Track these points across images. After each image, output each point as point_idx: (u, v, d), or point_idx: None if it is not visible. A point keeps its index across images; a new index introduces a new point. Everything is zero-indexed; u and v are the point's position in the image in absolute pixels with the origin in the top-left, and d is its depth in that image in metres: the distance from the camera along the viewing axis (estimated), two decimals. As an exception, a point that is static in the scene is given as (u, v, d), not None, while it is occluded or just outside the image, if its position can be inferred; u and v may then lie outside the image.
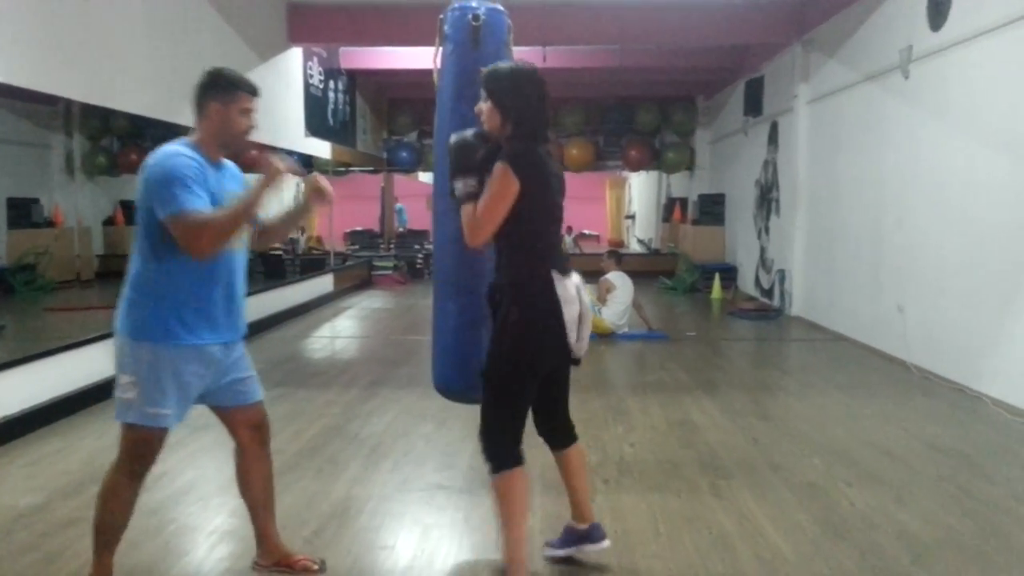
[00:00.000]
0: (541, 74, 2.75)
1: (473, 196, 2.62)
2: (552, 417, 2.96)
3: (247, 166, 2.81)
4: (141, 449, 2.64)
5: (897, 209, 6.86)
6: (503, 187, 2.55)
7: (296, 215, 3.00)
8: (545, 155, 2.72)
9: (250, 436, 2.87)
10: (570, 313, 2.65)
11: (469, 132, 2.73)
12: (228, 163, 2.78)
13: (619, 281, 8.20)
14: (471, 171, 2.64)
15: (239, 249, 2.74)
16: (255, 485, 2.91)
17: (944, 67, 6.11)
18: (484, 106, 2.71)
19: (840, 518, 3.48)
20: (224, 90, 2.64)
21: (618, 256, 8.81)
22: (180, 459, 4.22)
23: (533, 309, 2.64)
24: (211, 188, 2.56)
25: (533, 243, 2.68)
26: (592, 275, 9.05)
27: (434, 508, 3.60)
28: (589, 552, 3.03)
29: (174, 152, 2.54)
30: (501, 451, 2.67)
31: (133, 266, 2.63)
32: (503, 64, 2.80)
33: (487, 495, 3.63)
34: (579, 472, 3.01)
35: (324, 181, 2.83)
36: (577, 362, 2.81)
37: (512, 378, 2.67)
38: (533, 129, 2.68)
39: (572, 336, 2.68)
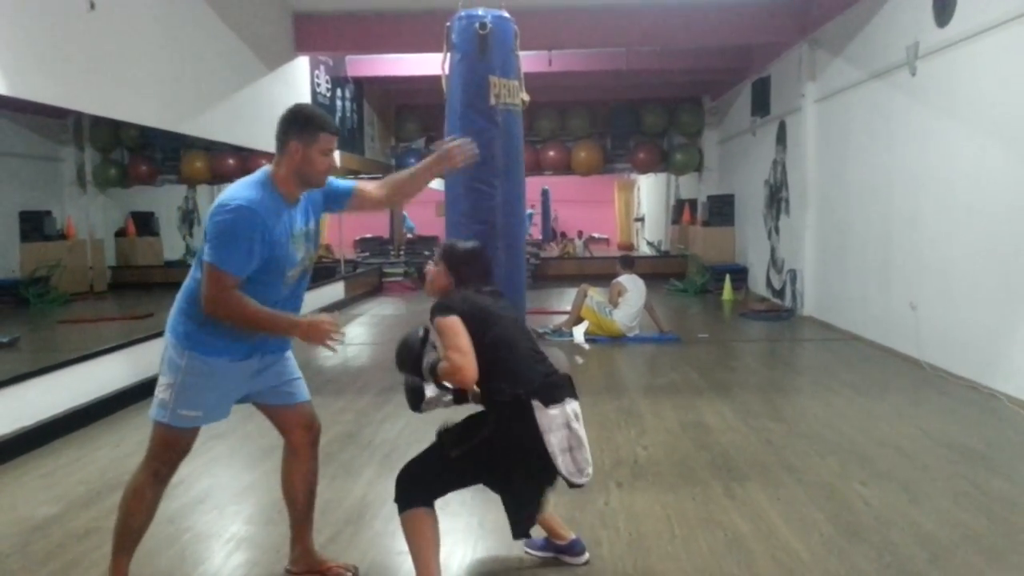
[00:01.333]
0: (489, 258, 3.00)
1: (431, 370, 2.68)
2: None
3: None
4: (168, 448, 2.71)
5: (907, 206, 6.84)
6: (451, 328, 2.60)
7: (425, 173, 3.05)
8: (480, 296, 2.79)
9: (301, 436, 2.93)
10: (555, 443, 2.58)
11: (417, 334, 2.81)
12: (307, 193, 2.80)
13: (630, 284, 8.22)
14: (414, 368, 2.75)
15: (304, 275, 2.81)
16: (299, 487, 2.96)
17: (951, 63, 6.09)
18: (434, 269, 2.89)
19: (855, 518, 3.47)
20: (305, 130, 2.65)
21: (630, 261, 8.83)
22: (195, 468, 4.24)
23: (507, 435, 2.62)
24: (277, 235, 2.59)
25: (509, 375, 2.64)
26: (600, 279, 9.06)
27: (448, 514, 3.59)
28: (569, 562, 3.07)
29: (245, 203, 2.52)
30: (413, 493, 2.69)
31: (190, 278, 2.69)
32: (464, 244, 2.98)
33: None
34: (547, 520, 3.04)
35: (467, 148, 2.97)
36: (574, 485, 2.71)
37: (451, 467, 2.69)
38: (474, 284, 2.84)
39: (563, 467, 2.60)
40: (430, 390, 2.76)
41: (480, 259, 2.92)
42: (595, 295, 8.27)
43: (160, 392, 2.68)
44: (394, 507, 3.66)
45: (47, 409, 4.92)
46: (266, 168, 2.69)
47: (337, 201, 2.97)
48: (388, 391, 5.92)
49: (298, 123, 2.66)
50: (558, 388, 2.68)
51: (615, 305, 8.10)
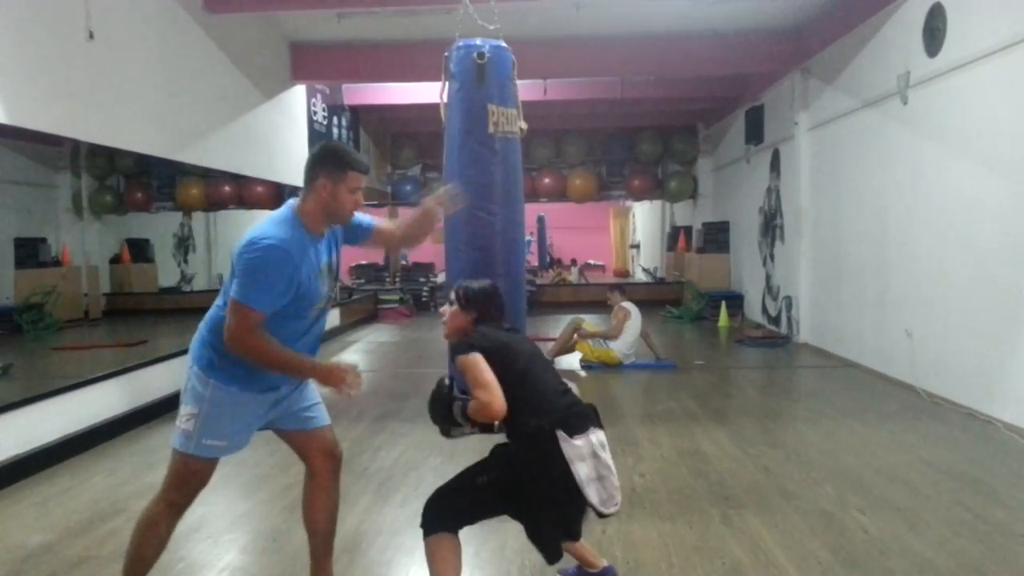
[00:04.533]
0: (501, 296, 2.97)
1: (462, 411, 2.67)
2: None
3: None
4: (187, 478, 2.70)
5: (901, 234, 6.87)
6: (476, 365, 2.60)
7: (425, 225, 3.05)
8: (499, 332, 2.81)
9: (323, 462, 2.91)
10: (582, 473, 2.58)
11: (444, 383, 2.82)
12: (332, 229, 2.80)
13: (632, 309, 8.24)
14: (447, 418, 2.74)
15: (326, 309, 2.80)
16: (320, 515, 2.92)
17: (942, 92, 6.16)
18: (449, 310, 2.89)
19: (853, 546, 3.45)
20: (335, 167, 2.65)
21: (621, 289, 8.87)
22: (189, 496, 4.21)
23: (531, 465, 2.63)
24: (304, 272, 2.59)
25: (532, 408, 2.65)
26: (596, 305, 9.07)
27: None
28: None
29: (275, 243, 2.51)
30: (439, 519, 2.67)
31: (215, 307, 2.68)
32: (478, 284, 2.94)
33: (498, 529, 3.62)
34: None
35: (441, 198, 2.97)
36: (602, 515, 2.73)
37: (478, 495, 2.70)
38: (493, 321, 2.85)
39: (593, 496, 2.60)
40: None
41: (494, 297, 2.93)
42: (589, 328, 8.27)
43: (182, 422, 2.66)
44: (390, 536, 3.66)
45: (40, 437, 4.88)
46: (291, 203, 2.68)
47: (357, 236, 2.95)
48: (384, 419, 5.89)
49: (329, 160, 2.66)
50: (582, 418, 2.68)
51: (618, 335, 8.10)
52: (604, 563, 3.07)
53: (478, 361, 2.61)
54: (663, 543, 3.52)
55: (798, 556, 3.35)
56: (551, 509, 2.66)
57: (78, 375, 5.62)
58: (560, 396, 2.74)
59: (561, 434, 2.58)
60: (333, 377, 2.60)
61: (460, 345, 2.70)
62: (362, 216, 2.92)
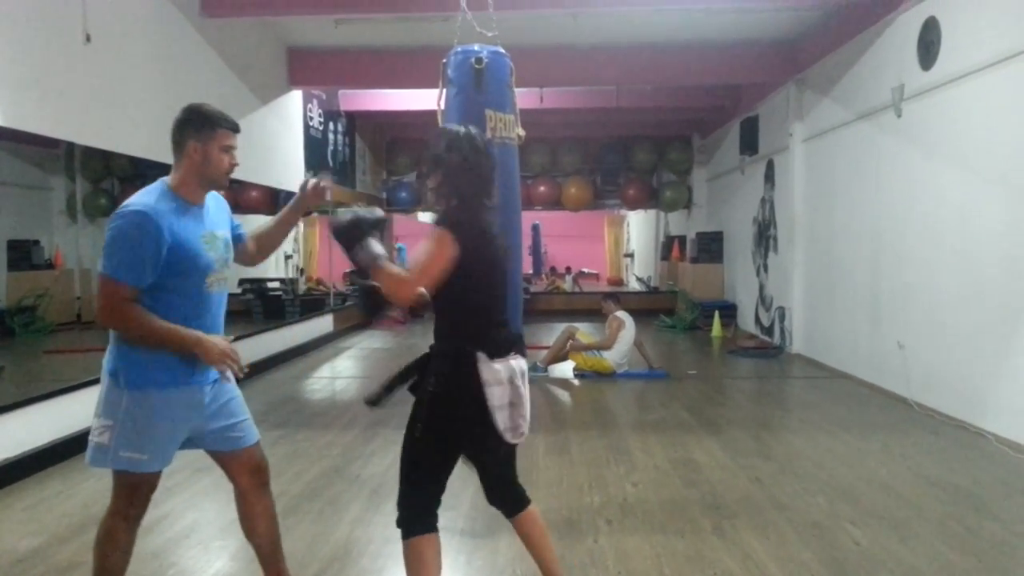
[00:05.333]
0: (488, 144, 2.70)
1: (377, 259, 2.49)
2: (495, 489, 2.84)
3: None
4: (132, 493, 2.60)
5: (894, 245, 6.90)
6: (440, 250, 2.47)
7: (290, 215, 2.91)
8: (490, 226, 2.65)
9: (249, 480, 2.80)
10: (495, 397, 2.51)
11: (355, 209, 2.60)
12: (212, 197, 2.70)
13: (626, 319, 8.24)
14: (359, 239, 2.52)
15: (223, 289, 2.69)
16: (260, 527, 2.85)
17: (936, 105, 6.19)
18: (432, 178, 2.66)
19: (845, 557, 3.46)
20: (203, 127, 2.56)
21: (616, 297, 8.87)
22: (180, 502, 4.20)
23: (449, 386, 2.54)
24: (181, 234, 2.48)
25: (464, 318, 2.60)
26: (590, 314, 9.08)
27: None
28: None
29: (135, 209, 2.43)
30: (412, 516, 2.59)
31: None
32: (451, 131, 2.69)
33: (489, 537, 3.62)
34: (535, 537, 2.82)
35: (324, 181, 2.81)
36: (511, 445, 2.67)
37: (424, 449, 2.58)
38: (480, 200, 2.63)
39: (500, 422, 2.53)
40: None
41: (470, 145, 2.63)
42: (583, 338, 8.26)
43: (96, 436, 2.53)
44: (381, 543, 3.65)
45: (31, 440, 4.86)
46: (163, 178, 2.59)
47: (233, 241, 2.82)
48: (376, 425, 5.88)
49: (195, 121, 2.57)
50: (505, 343, 2.61)
51: (611, 344, 8.10)
52: None
53: (442, 242, 2.47)
54: (655, 553, 3.52)
55: (790, 567, 3.35)
56: (472, 430, 2.57)
57: (70, 378, 5.59)
58: (494, 328, 2.64)
59: (482, 355, 2.51)
60: (213, 355, 2.48)
61: (447, 220, 2.54)
62: (242, 229, 2.86)
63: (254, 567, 3.38)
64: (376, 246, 2.50)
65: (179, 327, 2.47)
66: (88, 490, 4.47)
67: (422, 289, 2.48)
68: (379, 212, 2.63)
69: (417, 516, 2.59)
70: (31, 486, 4.56)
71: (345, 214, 2.54)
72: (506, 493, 2.82)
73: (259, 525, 2.84)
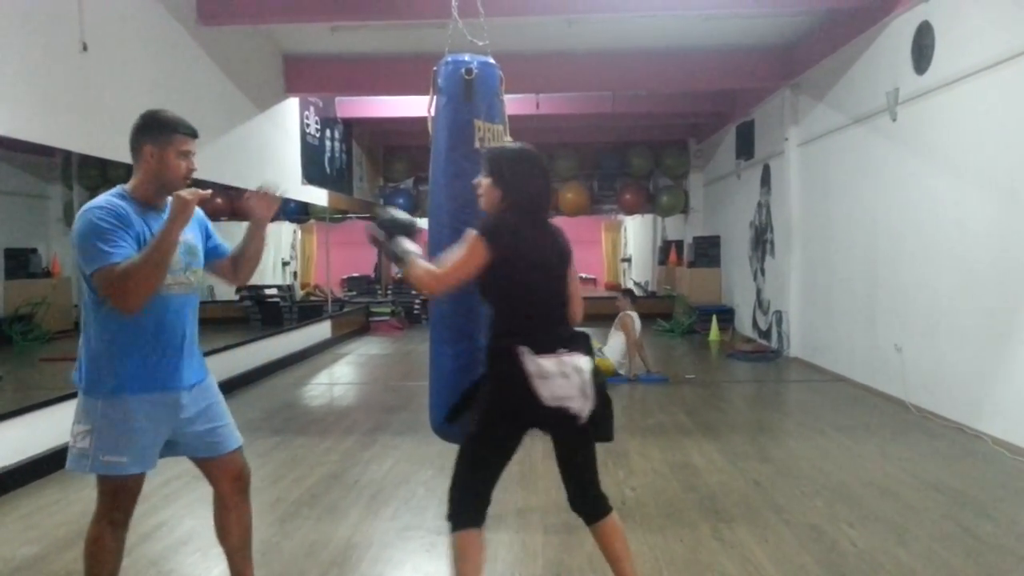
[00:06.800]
0: (542, 160, 2.80)
1: (408, 254, 2.67)
2: (576, 491, 2.81)
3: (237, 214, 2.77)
4: (115, 497, 2.60)
5: (890, 249, 6.92)
6: (470, 254, 2.55)
7: (252, 230, 2.87)
8: (533, 229, 2.69)
9: (229, 487, 2.79)
10: (544, 388, 2.50)
11: (394, 211, 2.85)
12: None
13: (636, 319, 8.24)
14: (400, 235, 2.75)
15: (189, 293, 2.67)
16: (233, 533, 2.84)
17: (931, 109, 6.22)
18: (484, 182, 2.74)
19: (843, 559, 3.46)
20: (159, 132, 2.56)
21: (632, 295, 8.89)
22: (179, 509, 4.20)
23: (502, 381, 2.61)
24: (137, 232, 2.49)
25: (508, 317, 2.66)
26: (586, 317, 9.05)
27: (435, 556, 3.58)
28: None
29: (97, 204, 2.47)
30: (462, 510, 2.64)
31: (83, 319, 2.59)
32: (510, 146, 2.83)
33: (490, 541, 3.62)
34: (613, 547, 2.77)
35: (268, 188, 2.77)
36: (597, 436, 2.72)
37: (480, 442, 2.65)
38: (530, 208, 2.71)
39: (574, 404, 2.54)
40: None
41: (529, 163, 2.75)
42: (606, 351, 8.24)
43: (77, 441, 2.54)
44: (380, 549, 3.65)
45: (28, 448, 4.86)
46: (120, 185, 2.60)
47: (210, 255, 2.82)
48: (375, 431, 5.88)
49: (152, 127, 2.57)
50: (553, 340, 2.61)
51: (635, 334, 8.09)
52: None
53: (473, 246, 2.56)
54: (654, 557, 3.52)
55: (788, 570, 3.36)
56: (521, 421, 2.62)
57: (68, 386, 5.59)
58: (540, 325, 2.66)
59: (523, 350, 2.52)
60: (177, 203, 2.44)
61: (484, 226, 2.61)
62: (221, 242, 2.86)
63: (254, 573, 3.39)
64: (409, 243, 2.72)
65: (153, 242, 2.43)
66: (86, 498, 4.46)
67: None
68: (415, 220, 2.85)
69: (464, 510, 2.65)
70: (29, 494, 4.56)
71: (387, 212, 2.82)
72: (586, 499, 2.82)
73: (233, 531, 2.83)
